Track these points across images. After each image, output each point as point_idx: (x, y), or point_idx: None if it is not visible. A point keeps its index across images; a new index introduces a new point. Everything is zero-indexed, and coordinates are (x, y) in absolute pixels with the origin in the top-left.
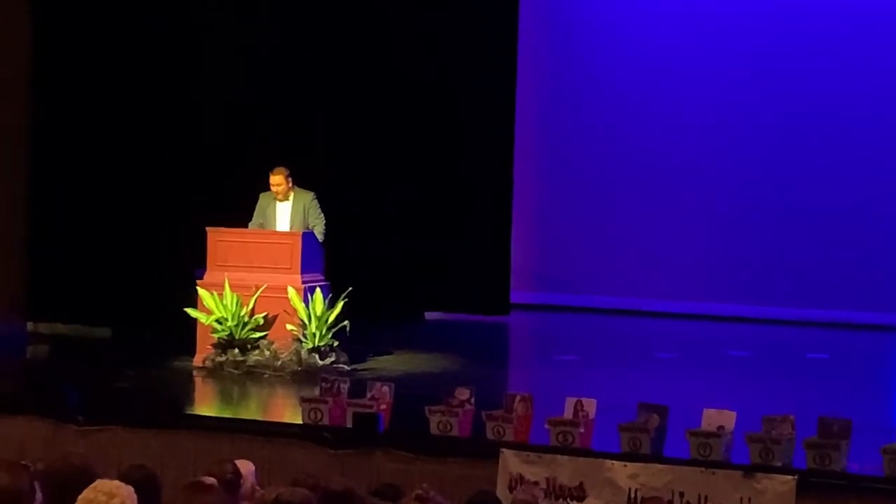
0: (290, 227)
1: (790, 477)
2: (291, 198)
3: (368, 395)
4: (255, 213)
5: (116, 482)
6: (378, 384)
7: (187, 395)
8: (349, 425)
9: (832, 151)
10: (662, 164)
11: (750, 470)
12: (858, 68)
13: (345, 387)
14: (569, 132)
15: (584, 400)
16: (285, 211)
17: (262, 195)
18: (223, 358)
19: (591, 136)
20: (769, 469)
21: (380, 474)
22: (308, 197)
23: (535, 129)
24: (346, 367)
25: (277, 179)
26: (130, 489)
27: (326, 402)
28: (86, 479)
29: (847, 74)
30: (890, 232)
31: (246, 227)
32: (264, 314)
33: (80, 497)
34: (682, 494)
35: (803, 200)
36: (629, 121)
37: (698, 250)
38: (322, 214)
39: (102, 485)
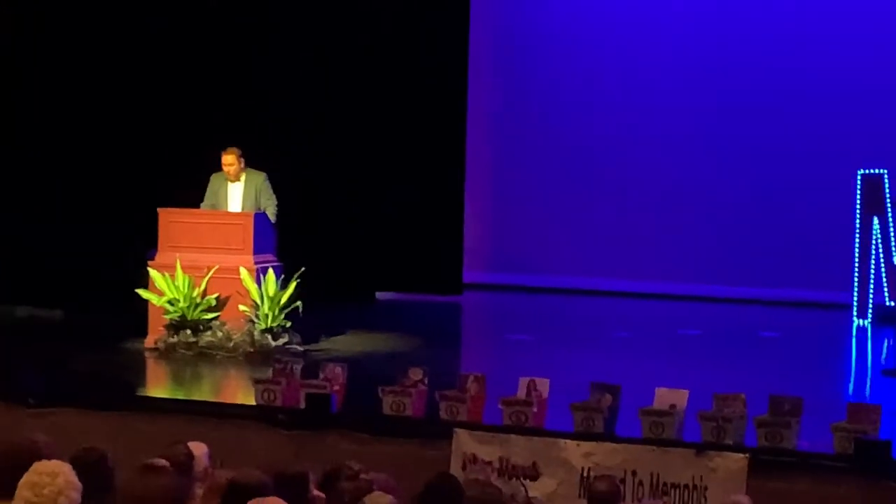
0: (242, 209)
1: (742, 455)
2: (243, 179)
3: (322, 376)
4: (206, 195)
5: (58, 461)
6: (331, 365)
7: (139, 377)
8: (302, 406)
9: (782, 133)
10: (615, 144)
11: (702, 448)
12: (811, 58)
13: (298, 368)
14: (521, 113)
15: (538, 380)
16: (237, 192)
17: (213, 176)
18: (175, 339)
19: (543, 117)
20: (721, 447)
21: (333, 455)
22: (260, 178)
23: (487, 109)
24: (298, 347)
25: (229, 159)
26: (70, 467)
27: (279, 384)
28: (35, 460)
29: (801, 64)
30: (838, 211)
31: (197, 208)
32: (216, 295)
33: (22, 480)
34: (634, 473)
35: (754, 181)
36: (582, 102)
37: (651, 230)
38: (274, 195)
39: (44, 465)
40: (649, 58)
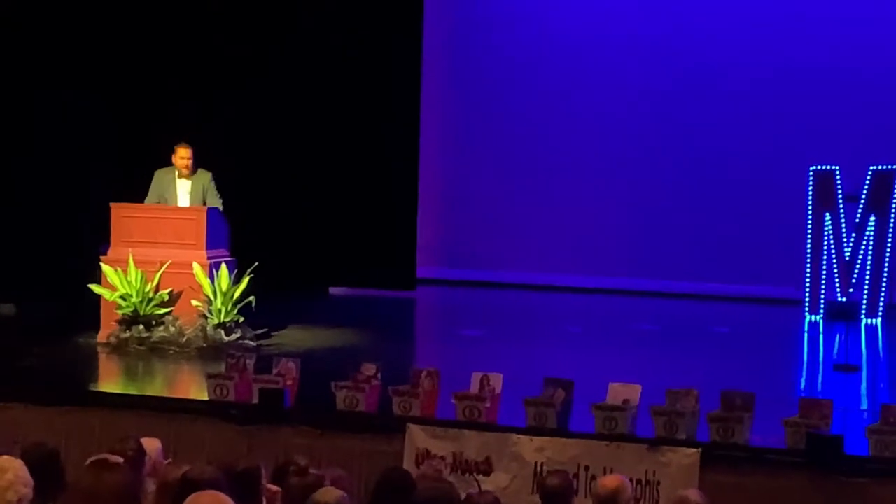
0: (190, 205)
1: (694, 450)
2: (192, 175)
3: (274, 371)
4: (151, 191)
5: (8, 457)
6: (284, 360)
7: (92, 372)
8: (255, 401)
9: (734, 130)
10: (565, 142)
11: (654, 443)
12: (764, 56)
13: (251, 363)
14: (474, 109)
15: (491, 375)
16: (186, 188)
17: (158, 172)
18: (128, 334)
19: (496, 114)
20: (673, 442)
21: (286, 450)
22: (207, 177)
23: (441, 105)
24: (251, 342)
25: (188, 153)
26: (21, 463)
27: (232, 379)
28: None
29: (754, 61)
30: (790, 207)
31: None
32: (169, 290)
33: None
34: (587, 468)
35: (707, 177)
36: (534, 99)
37: (604, 226)
38: (219, 195)
39: None
40: (602, 55)
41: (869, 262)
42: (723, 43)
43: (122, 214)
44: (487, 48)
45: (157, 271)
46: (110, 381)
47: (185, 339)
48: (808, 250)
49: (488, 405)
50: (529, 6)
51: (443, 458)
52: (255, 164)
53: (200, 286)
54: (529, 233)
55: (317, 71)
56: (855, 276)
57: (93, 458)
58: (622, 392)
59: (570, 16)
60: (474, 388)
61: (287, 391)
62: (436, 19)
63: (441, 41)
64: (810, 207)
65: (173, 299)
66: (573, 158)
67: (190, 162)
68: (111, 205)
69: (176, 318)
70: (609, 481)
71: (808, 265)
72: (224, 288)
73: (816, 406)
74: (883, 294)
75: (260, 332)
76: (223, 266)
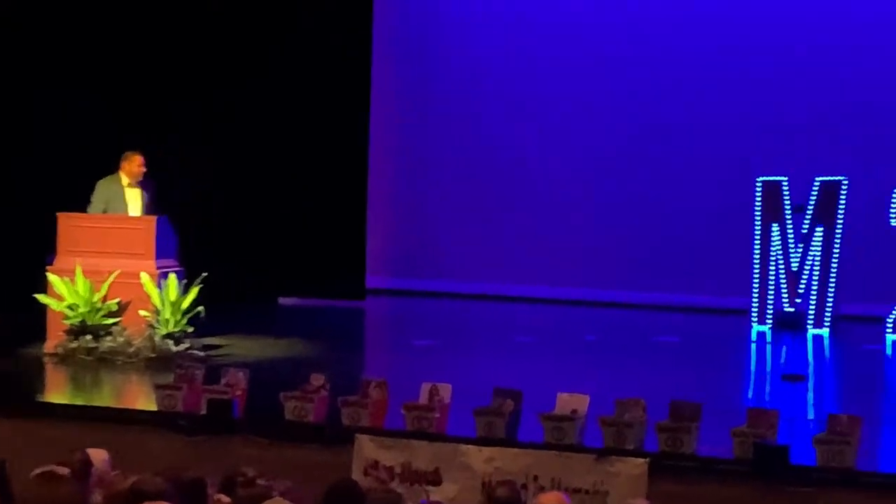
0: (140, 214)
1: (642, 460)
2: (138, 185)
3: (223, 382)
4: (95, 200)
5: None
6: (233, 370)
7: (39, 383)
8: (204, 412)
9: (682, 139)
10: (514, 152)
11: (603, 453)
12: (711, 65)
13: (199, 373)
14: (424, 119)
15: (440, 385)
16: (134, 198)
17: (102, 182)
18: (75, 344)
19: (445, 124)
20: (622, 452)
21: (235, 461)
22: (151, 186)
23: (390, 115)
24: (200, 353)
25: (141, 160)
26: None
27: (181, 389)
28: None
29: (701, 71)
30: (735, 218)
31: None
32: (117, 300)
33: None
34: (536, 478)
35: (654, 186)
36: (482, 109)
37: (554, 236)
38: (159, 206)
39: None
40: (547, 65)
41: (816, 273)
42: (673, 52)
43: (69, 224)
44: (439, 52)
45: (105, 281)
46: (57, 392)
47: (133, 349)
48: (756, 260)
49: (437, 415)
50: (483, 7)
51: (391, 468)
52: (204, 173)
53: (149, 296)
54: (480, 243)
55: (267, 79)
56: (802, 286)
57: (39, 470)
58: (571, 402)
59: (527, 17)
60: (423, 398)
61: (236, 402)
62: (386, 22)
63: (392, 45)
64: (758, 218)
65: (121, 309)
66: (524, 167)
67: (143, 170)
68: (58, 214)
69: (124, 329)
70: (548, 499)
71: (756, 275)
72: (173, 298)
73: (763, 416)
74: (830, 304)
75: (209, 342)
76: (172, 276)
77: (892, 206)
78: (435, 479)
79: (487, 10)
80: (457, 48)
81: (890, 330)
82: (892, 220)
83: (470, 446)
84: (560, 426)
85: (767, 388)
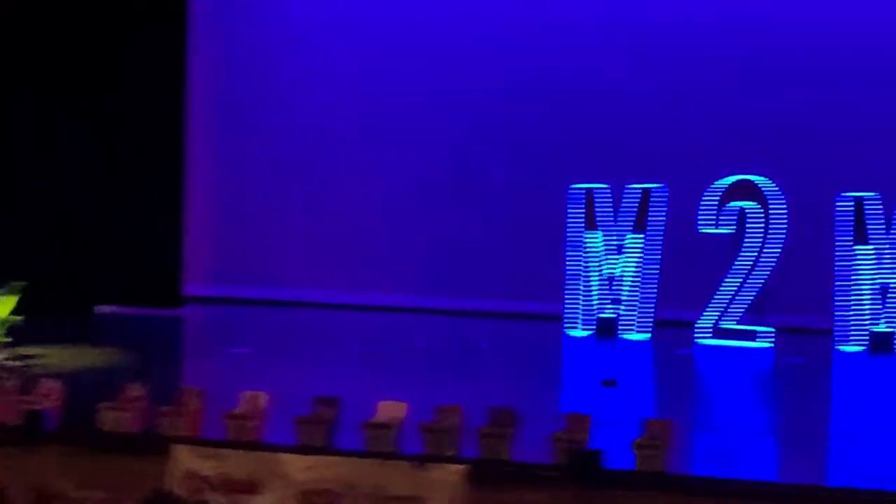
0: None
1: (460, 466)
2: None
3: (38, 392)
4: None
5: None
6: (48, 380)
7: None
8: (19, 422)
9: (497, 147)
10: (334, 157)
11: (422, 460)
12: (527, 72)
13: (14, 383)
14: (241, 124)
15: (258, 393)
16: None
17: None
18: None
19: (263, 128)
20: (441, 459)
21: (50, 472)
22: None
23: (207, 120)
24: (16, 363)
25: None
26: None
27: None
28: None
29: (518, 76)
30: (552, 223)
31: None
32: None
33: None
34: (354, 486)
35: (470, 194)
36: (301, 113)
37: (374, 242)
38: None
39: None
40: (367, 72)
41: (636, 279)
42: (488, 56)
43: None
44: (255, 61)
45: None
46: None
47: None
48: (573, 267)
49: (255, 424)
50: (301, 6)
51: (207, 477)
52: (18, 181)
53: None
54: (298, 249)
55: (76, 84)
56: (623, 292)
57: None
58: (390, 410)
59: (341, 30)
60: (242, 407)
61: (51, 412)
62: (200, 36)
63: (207, 58)
64: (572, 225)
65: None
66: (342, 174)
67: None
68: None
69: None
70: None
71: (572, 281)
72: None
73: (580, 421)
74: (643, 310)
75: (25, 352)
76: None
77: (701, 212)
78: (252, 488)
79: (306, 10)
80: (270, 58)
81: (701, 334)
82: (701, 227)
83: (288, 455)
84: (379, 434)
85: (584, 394)
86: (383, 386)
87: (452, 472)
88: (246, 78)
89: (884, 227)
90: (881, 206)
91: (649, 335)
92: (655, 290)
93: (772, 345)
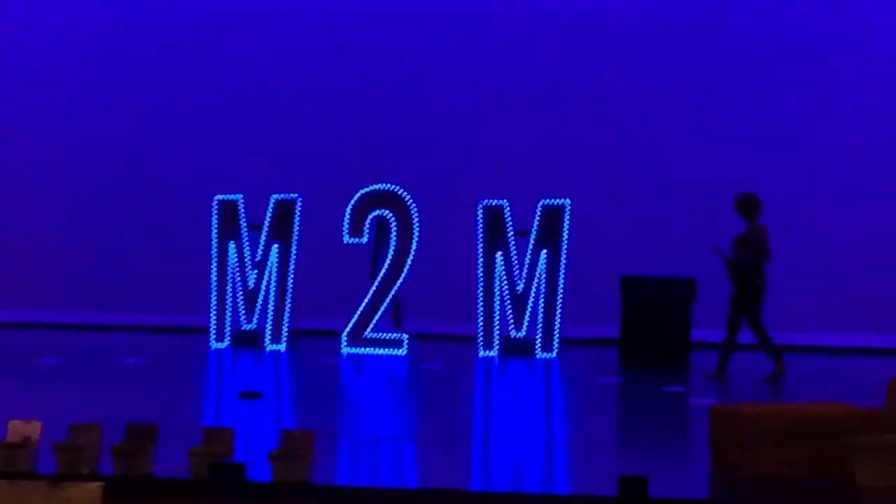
0: None
1: (97, 484)
2: None
3: None
4: None
5: None
6: None
7: None
8: None
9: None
10: (45, 163)
11: (57, 479)
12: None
13: None
14: None
15: None
16: None
17: None
18: None
19: None
20: (76, 477)
21: None
22: None
23: None
24: None
25: None
26: None
27: None
28: None
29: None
30: (189, 235)
31: None
32: None
33: None
34: None
35: (121, 209)
36: (32, 120)
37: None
38: None
39: None
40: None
41: (271, 291)
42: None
43: None
44: None
45: None
46: None
47: None
48: (215, 279)
49: None
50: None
51: None
52: None
53: None
54: None
55: None
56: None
57: None
58: (22, 429)
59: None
60: None
61: None
62: None
63: None
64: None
65: None
66: (56, 183)
67: None
68: None
69: None
70: None
71: (215, 294)
72: None
73: (220, 434)
74: (287, 321)
75: None
76: None
77: (343, 223)
78: None
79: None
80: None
81: (345, 344)
82: (344, 238)
83: None
84: (12, 454)
85: (226, 407)
86: (16, 404)
87: (89, 490)
88: None
89: (515, 234)
90: (510, 215)
91: (283, 346)
92: (291, 302)
93: (405, 352)
